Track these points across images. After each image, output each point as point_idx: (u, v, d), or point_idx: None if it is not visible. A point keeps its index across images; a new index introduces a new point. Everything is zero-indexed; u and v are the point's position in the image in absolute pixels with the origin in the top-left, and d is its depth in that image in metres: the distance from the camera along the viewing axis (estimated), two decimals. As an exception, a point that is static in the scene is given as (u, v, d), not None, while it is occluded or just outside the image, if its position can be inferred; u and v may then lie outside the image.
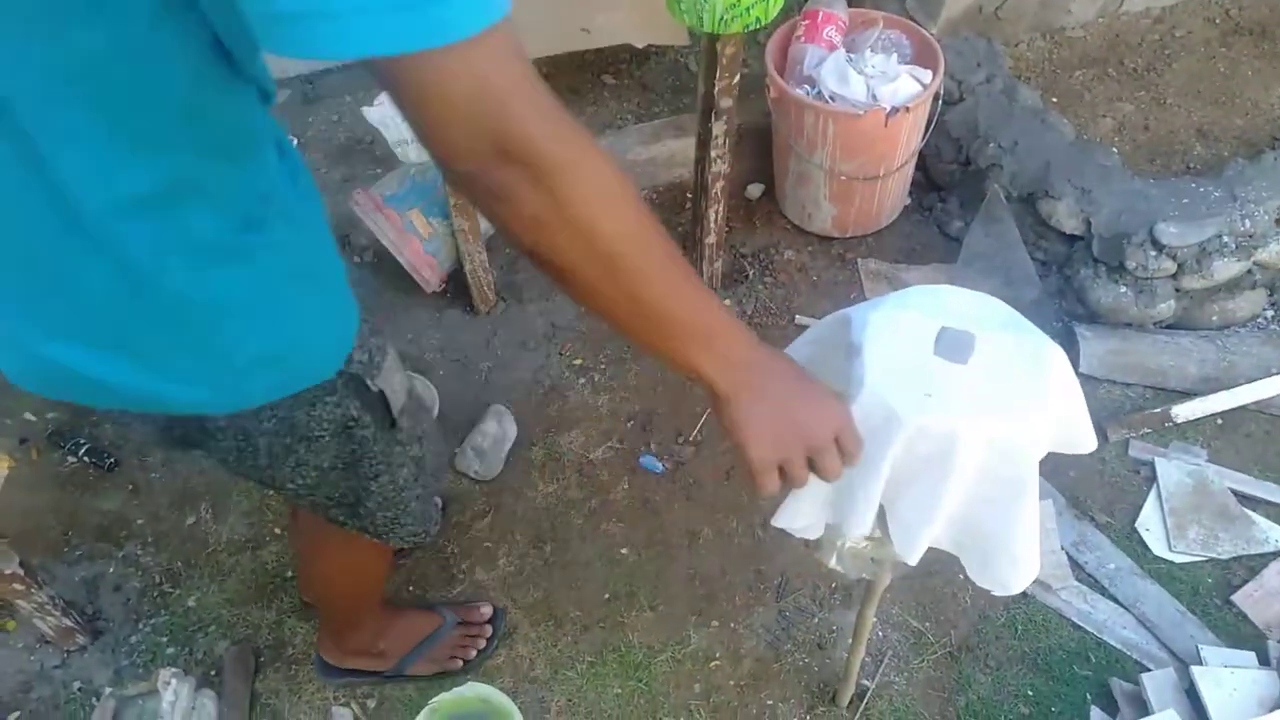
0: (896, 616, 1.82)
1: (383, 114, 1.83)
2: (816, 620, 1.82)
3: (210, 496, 1.99)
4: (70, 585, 1.87)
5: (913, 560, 1.04)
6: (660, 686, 1.74)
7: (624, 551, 1.91)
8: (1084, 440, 1.07)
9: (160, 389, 0.92)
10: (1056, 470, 2.01)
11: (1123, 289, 2.17)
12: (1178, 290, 2.17)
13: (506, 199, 0.71)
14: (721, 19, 1.69)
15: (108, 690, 1.60)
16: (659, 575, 1.88)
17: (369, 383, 1.05)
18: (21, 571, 1.62)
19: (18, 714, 1.72)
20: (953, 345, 0.98)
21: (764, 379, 0.89)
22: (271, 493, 1.82)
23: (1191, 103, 2.61)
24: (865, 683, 1.73)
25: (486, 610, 1.79)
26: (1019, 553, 1.01)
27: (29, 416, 2.12)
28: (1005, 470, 0.96)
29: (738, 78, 1.90)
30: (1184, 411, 2.10)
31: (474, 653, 1.74)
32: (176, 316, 0.87)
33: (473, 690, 1.64)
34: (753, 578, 1.87)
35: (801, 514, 1.06)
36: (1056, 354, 0.99)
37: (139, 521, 1.97)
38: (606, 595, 1.85)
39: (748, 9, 1.67)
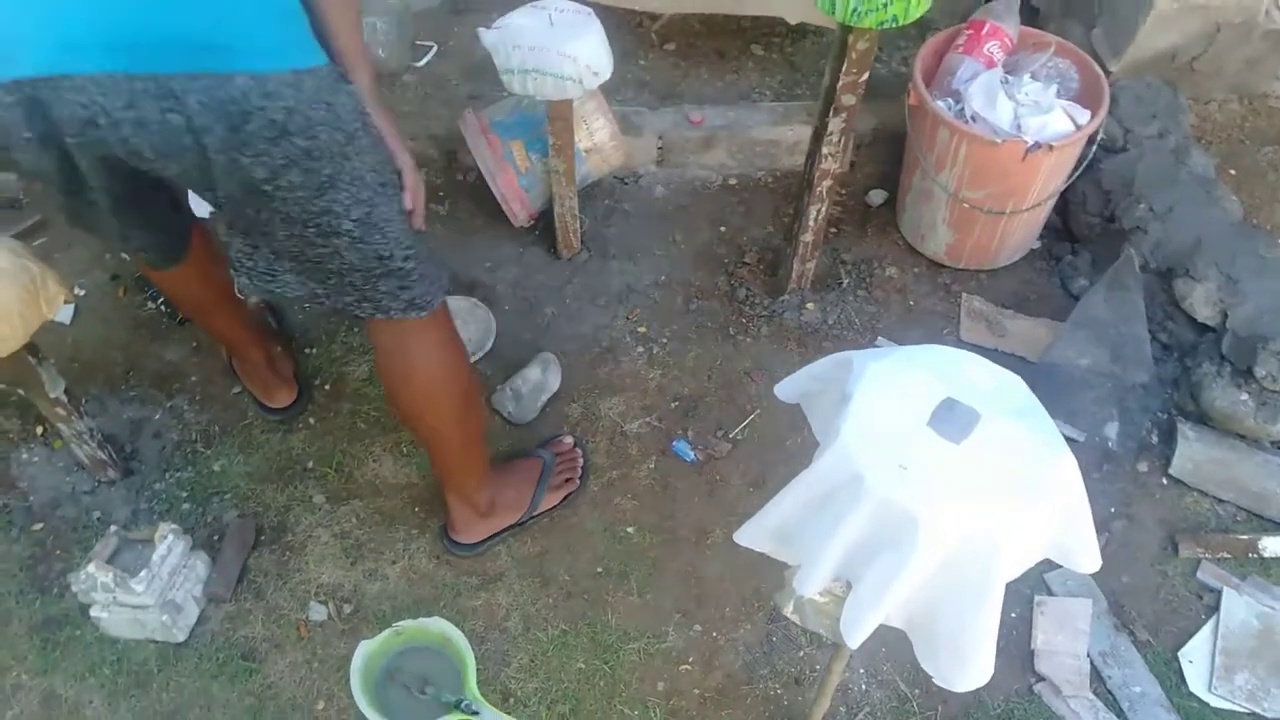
0: (886, 674, 1.72)
1: (496, 38, 1.79)
2: (801, 654, 1.74)
3: (261, 372, 2.06)
4: (118, 422, 1.98)
5: (853, 644, 0.95)
6: (624, 674, 1.71)
7: (630, 530, 1.87)
8: (1083, 559, 0.95)
9: (251, 37, 1.05)
10: (1108, 571, 1.83)
11: (1244, 396, 1.94)
12: (1308, 413, 1.93)
13: None
14: (855, 10, 1.57)
15: (113, 528, 1.68)
16: (656, 564, 1.83)
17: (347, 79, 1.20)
18: (65, 399, 1.71)
19: (42, 526, 1.84)
20: (951, 420, 0.88)
21: None
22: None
23: (1393, 208, 2.30)
24: (831, 732, 1.65)
25: (568, 439, 1.95)
26: (970, 654, 0.92)
27: (125, 256, 2.23)
28: (970, 568, 0.86)
29: (866, 75, 1.77)
30: (1275, 545, 1.88)
31: (580, 469, 1.91)
32: None
33: (438, 625, 1.65)
34: (749, 593, 1.80)
35: (757, 541, 0.99)
36: (1065, 458, 0.88)
37: (193, 378, 2.05)
38: (599, 569, 1.82)
39: (884, 5, 1.55)
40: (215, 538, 1.83)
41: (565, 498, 1.88)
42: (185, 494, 1.89)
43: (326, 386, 2.04)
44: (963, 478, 0.86)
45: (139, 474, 1.92)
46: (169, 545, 1.67)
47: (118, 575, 1.59)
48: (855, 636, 0.94)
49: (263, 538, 1.83)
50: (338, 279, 1.33)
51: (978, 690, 1.67)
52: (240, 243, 1.34)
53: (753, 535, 1.01)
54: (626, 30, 2.66)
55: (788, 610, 1.12)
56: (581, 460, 1.93)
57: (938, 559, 0.87)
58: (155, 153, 1.11)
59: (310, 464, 1.93)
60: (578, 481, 1.90)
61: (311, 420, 2.00)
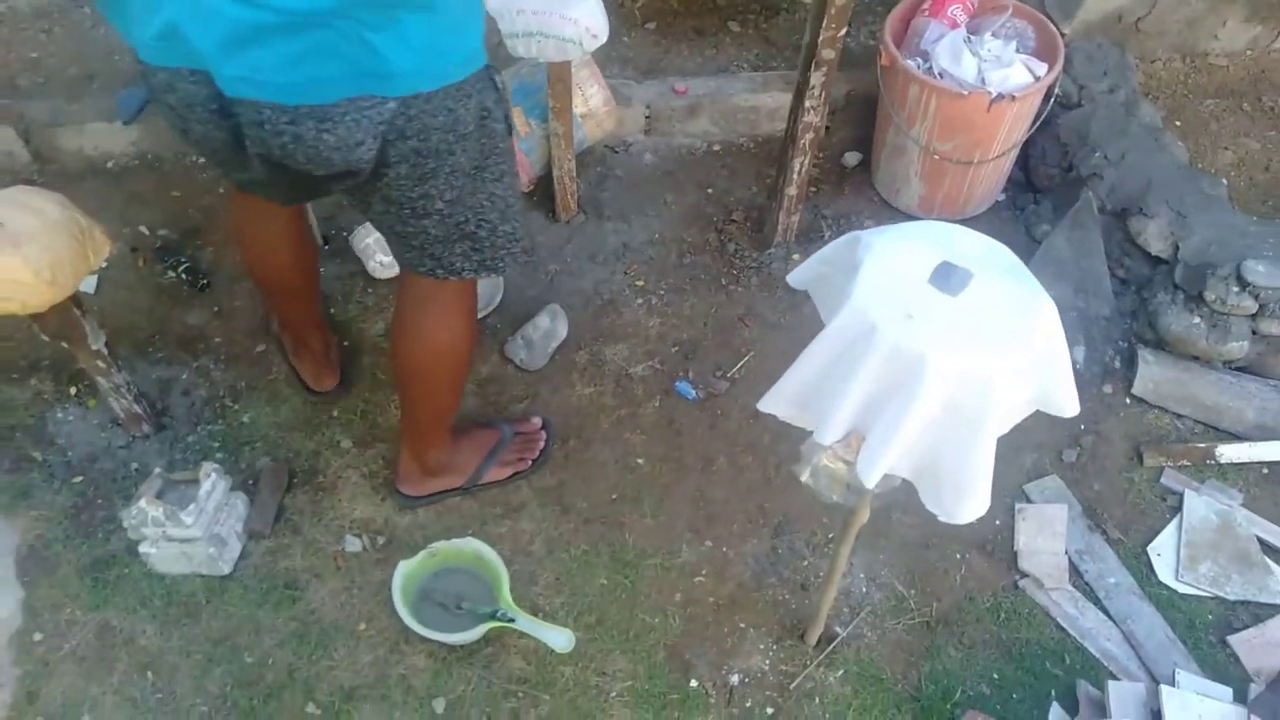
0: (884, 578, 1.87)
1: (500, 3, 1.92)
2: (806, 563, 1.88)
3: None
4: (147, 382, 2.07)
5: (869, 482, 1.09)
6: (644, 587, 1.84)
7: (640, 461, 2.01)
8: (1064, 402, 1.10)
9: (392, 60, 1.14)
10: (1081, 480, 2.01)
11: (1196, 320, 2.12)
12: (1254, 333, 2.11)
13: None
14: (834, -34, 1.72)
15: (156, 470, 1.78)
16: (666, 489, 1.97)
17: (496, 79, 1.32)
18: (106, 351, 1.81)
19: (81, 478, 1.93)
20: (948, 278, 1.03)
21: None
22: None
23: (1323, 152, 2.51)
24: (837, 629, 1.79)
25: (537, 420, 2.00)
26: (969, 487, 1.06)
27: (143, 229, 2.34)
28: (969, 404, 1.01)
29: (844, 31, 1.93)
30: (1230, 453, 2.06)
31: (538, 452, 1.95)
32: None
33: (470, 545, 1.77)
34: (754, 511, 1.94)
35: (779, 406, 1.13)
36: (1047, 306, 1.03)
37: (216, 340, 2.15)
38: (614, 496, 1.95)
39: (861, -40, 1.70)
40: (250, 482, 1.93)
41: (513, 475, 1.93)
42: (217, 444, 1.99)
43: (346, 342, 2.15)
44: (961, 324, 1.00)
45: (171, 428, 2.01)
46: (213, 482, 1.77)
47: (168, 509, 1.69)
48: (871, 476, 1.08)
49: (295, 479, 1.94)
50: (418, 251, 1.47)
51: (969, 588, 1.84)
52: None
53: (774, 402, 1.15)
54: (609, 10, 2.79)
55: (805, 477, 1.26)
56: (543, 444, 1.96)
57: (941, 397, 1.01)
58: (305, 157, 1.22)
59: (335, 413, 2.04)
60: (529, 463, 1.94)
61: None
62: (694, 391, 2.12)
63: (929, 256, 1.04)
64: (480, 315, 2.21)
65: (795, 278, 1.21)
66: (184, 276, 2.24)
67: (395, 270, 2.25)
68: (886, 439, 1.05)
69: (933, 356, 0.98)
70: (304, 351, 2.03)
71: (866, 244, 1.07)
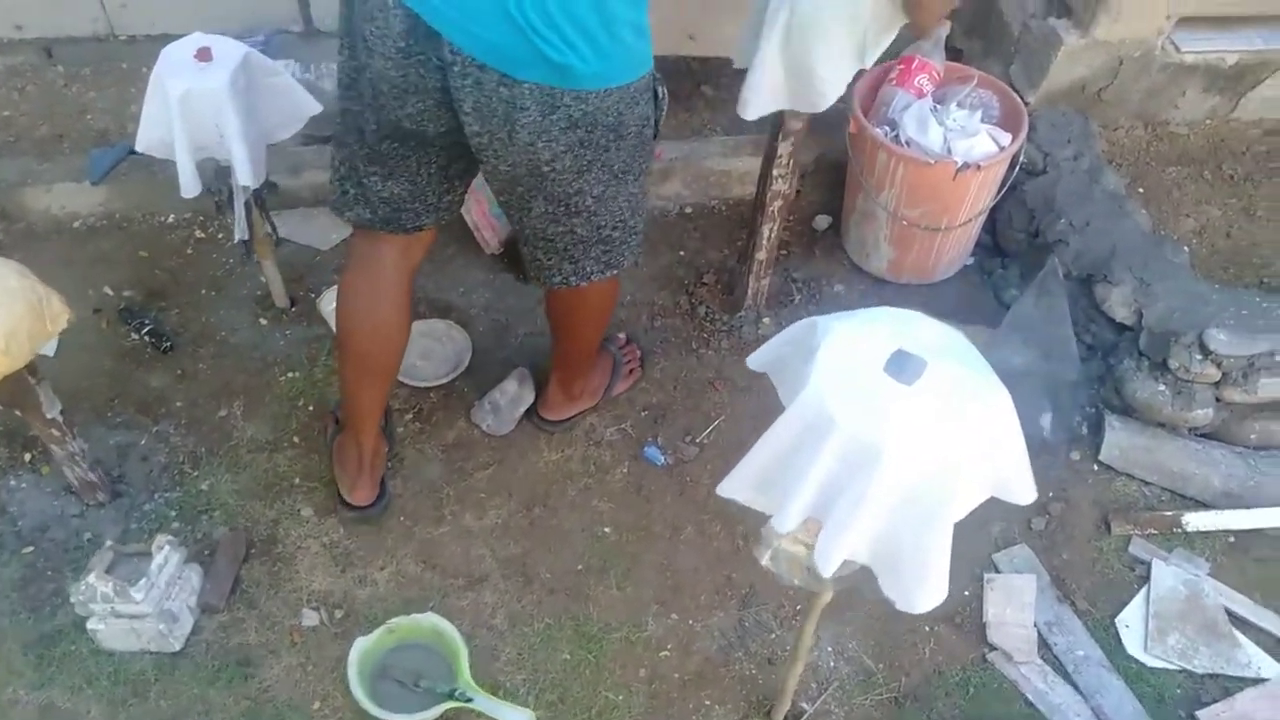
0: (852, 651, 1.84)
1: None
2: (773, 636, 1.85)
3: (245, 396, 2.14)
4: (104, 447, 2.03)
5: (826, 571, 1.08)
6: (608, 663, 1.80)
7: (606, 530, 1.98)
8: (1020, 490, 1.09)
9: (578, 63, 1.29)
10: (1049, 550, 2.00)
11: (1161, 387, 2.13)
12: (1218, 400, 2.13)
13: None
14: (798, 42, 1.75)
15: (108, 543, 1.74)
16: (633, 559, 1.94)
17: (659, 88, 1.46)
18: (61, 419, 1.78)
19: (32, 549, 1.88)
20: (903, 367, 1.02)
21: None
22: (307, 399, 1.95)
23: (1283, 220, 2.55)
24: (804, 705, 1.75)
25: (622, 336, 2.26)
26: (928, 575, 1.05)
27: (108, 291, 2.31)
28: (925, 493, 1.00)
29: (809, 103, 1.95)
30: (1197, 521, 2.05)
31: (639, 359, 2.23)
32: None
33: (429, 621, 1.73)
34: (722, 582, 1.91)
35: (738, 490, 1.11)
36: (1001, 395, 1.02)
37: (178, 404, 2.12)
38: (579, 566, 1.92)
39: (824, 37, 1.73)
40: (206, 553, 1.89)
41: (633, 385, 2.19)
42: (174, 513, 1.95)
43: (310, 407, 2.12)
44: (917, 414, 1.00)
45: (127, 496, 1.97)
46: (166, 555, 1.73)
47: (118, 585, 1.65)
48: (828, 565, 1.06)
49: (253, 550, 1.90)
50: (559, 255, 1.60)
51: (938, 662, 1.81)
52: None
53: (733, 486, 1.13)
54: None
55: (765, 560, 1.24)
56: (639, 351, 2.23)
57: (897, 487, 1.00)
58: (474, 107, 1.34)
59: (296, 480, 2.01)
60: (640, 371, 2.21)
61: (296, 439, 2.07)
62: (663, 457, 2.10)
63: (885, 345, 1.04)
64: (447, 379, 2.19)
65: (755, 360, 1.21)
66: (147, 339, 2.21)
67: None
68: (843, 527, 1.04)
69: (889, 446, 0.97)
70: (350, 453, 1.89)
71: (824, 329, 1.06)
